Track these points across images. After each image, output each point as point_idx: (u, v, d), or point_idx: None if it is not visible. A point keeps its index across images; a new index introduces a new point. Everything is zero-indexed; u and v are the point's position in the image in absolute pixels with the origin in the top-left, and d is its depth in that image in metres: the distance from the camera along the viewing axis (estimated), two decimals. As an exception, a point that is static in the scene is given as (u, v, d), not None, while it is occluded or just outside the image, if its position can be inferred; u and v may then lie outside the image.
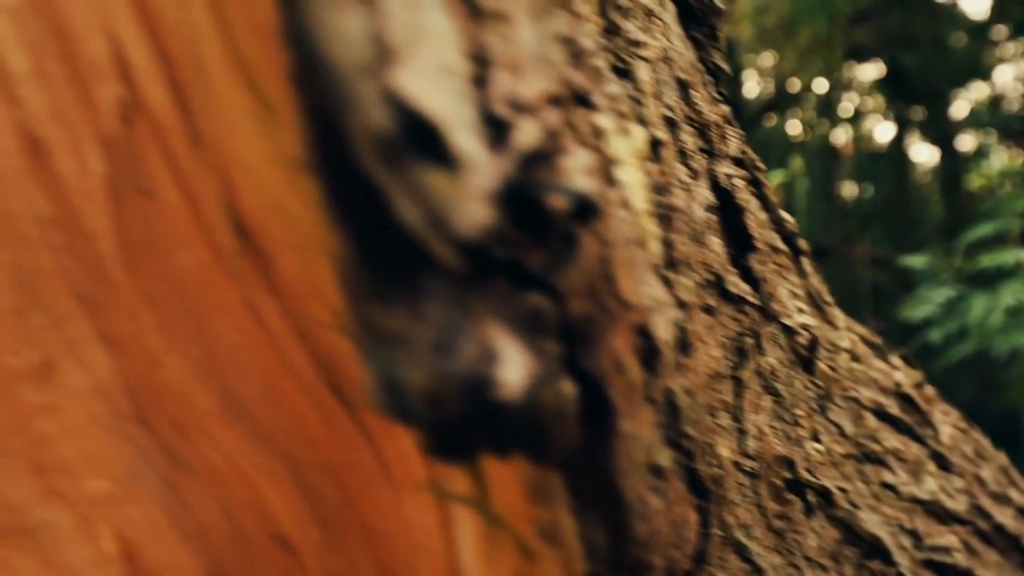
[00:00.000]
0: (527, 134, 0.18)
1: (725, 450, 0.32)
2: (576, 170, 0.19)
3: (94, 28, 0.21)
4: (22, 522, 0.23)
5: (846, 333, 0.49)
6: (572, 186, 0.19)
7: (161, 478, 0.23)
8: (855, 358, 0.49)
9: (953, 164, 4.26)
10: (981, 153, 4.29)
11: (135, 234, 0.22)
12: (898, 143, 4.46)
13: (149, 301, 0.23)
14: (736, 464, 0.33)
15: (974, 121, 4.19)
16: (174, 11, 0.21)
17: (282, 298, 0.23)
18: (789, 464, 0.38)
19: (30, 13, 0.21)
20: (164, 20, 0.21)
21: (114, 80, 0.21)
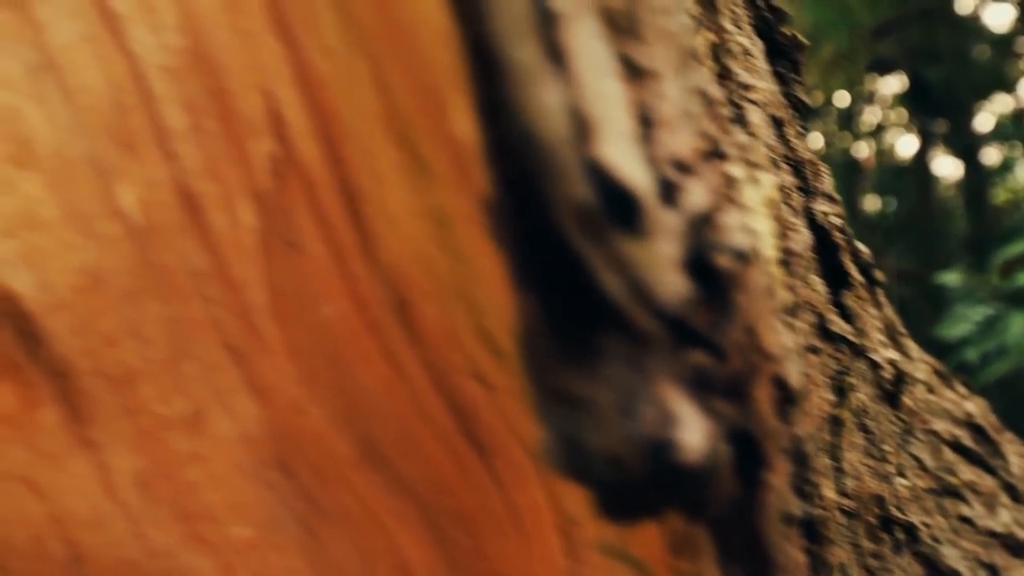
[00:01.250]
0: (696, 195, 0.18)
1: (828, 491, 0.32)
2: (735, 227, 0.19)
3: (251, 87, 0.22)
4: (167, 567, 0.23)
5: (921, 364, 0.49)
6: (735, 244, 0.19)
7: (301, 525, 0.24)
8: (930, 389, 0.49)
9: (977, 178, 4.23)
10: (1006, 167, 4.25)
11: (282, 286, 0.23)
12: (921, 156, 4.43)
13: (294, 351, 0.23)
14: (837, 504, 0.33)
15: (998, 134, 4.15)
16: (331, 69, 0.21)
17: (421, 346, 0.23)
18: (880, 501, 0.38)
19: (189, 72, 0.21)
20: (320, 78, 0.21)
21: (268, 136, 0.22)
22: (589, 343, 0.16)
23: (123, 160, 0.21)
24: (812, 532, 0.29)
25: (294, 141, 0.22)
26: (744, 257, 0.19)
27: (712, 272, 0.18)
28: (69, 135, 0.21)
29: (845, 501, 0.34)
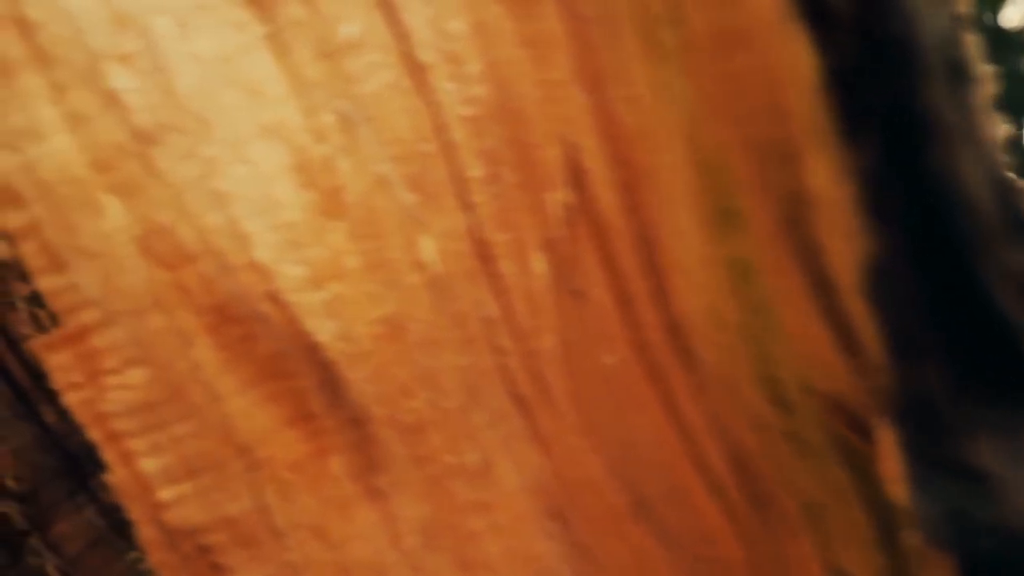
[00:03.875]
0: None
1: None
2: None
3: (551, 137, 0.21)
4: (443, 617, 0.23)
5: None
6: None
7: (574, 573, 0.23)
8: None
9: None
10: (1054, 181, 4.18)
11: (566, 334, 0.23)
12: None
13: (575, 400, 0.23)
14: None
15: (1047, 148, 4.08)
16: (636, 119, 0.21)
17: (702, 396, 0.23)
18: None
19: (491, 123, 0.21)
20: (624, 128, 0.21)
21: (564, 185, 0.22)
22: (988, 413, 0.16)
23: (425, 210, 0.21)
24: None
25: (592, 190, 0.22)
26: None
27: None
28: (376, 185, 0.21)
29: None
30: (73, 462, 0.44)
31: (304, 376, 0.22)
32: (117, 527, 0.40)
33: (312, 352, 0.21)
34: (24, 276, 0.44)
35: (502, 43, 0.21)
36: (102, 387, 0.22)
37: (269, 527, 0.22)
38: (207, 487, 0.22)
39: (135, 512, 0.22)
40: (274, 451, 0.22)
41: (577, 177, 0.22)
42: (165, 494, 0.22)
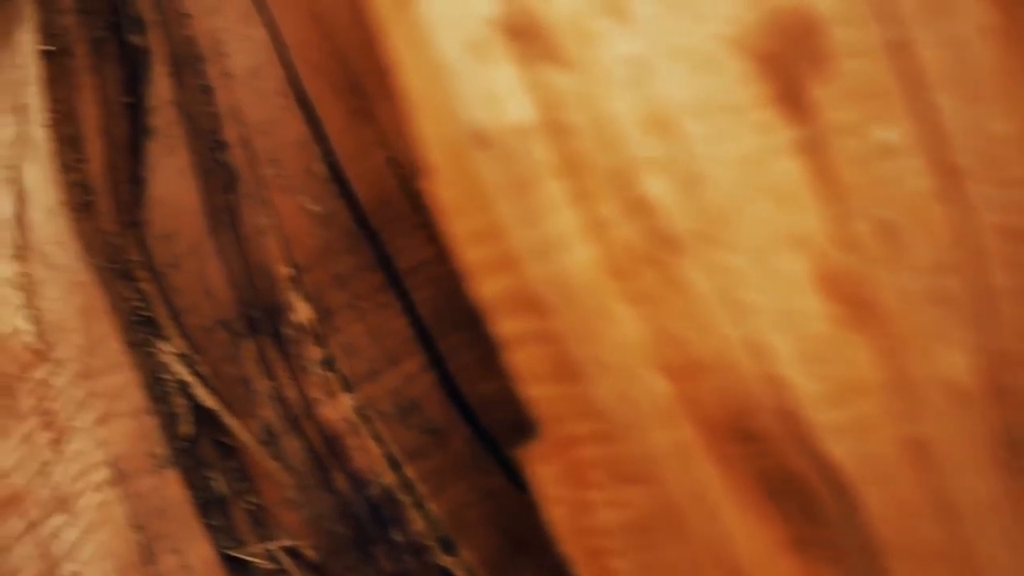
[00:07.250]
0: None
1: None
2: None
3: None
4: None
5: None
6: None
7: None
8: None
9: None
10: None
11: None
12: None
13: None
14: None
15: None
16: None
17: None
18: None
19: (1026, 229, 0.20)
20: None
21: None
22: None
23: (950, 322, 0.20)
24: None
25: None
26: None
27: None
28: (903, 296, 0.20)
29: None
30: (360, 531, 0.43)
31: (812, 498, 0.20)
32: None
33: (824, 472, 0.20)
34: (319, 340, 0.44)
35: (1049, 146, 0.19)
36: (588, 502, 0.21)
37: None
38: (694, 612, 0.21)
39: (607, 634, 0.21)
40: (769, 577, 0.20)
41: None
42: (647, 617, 0.21)
